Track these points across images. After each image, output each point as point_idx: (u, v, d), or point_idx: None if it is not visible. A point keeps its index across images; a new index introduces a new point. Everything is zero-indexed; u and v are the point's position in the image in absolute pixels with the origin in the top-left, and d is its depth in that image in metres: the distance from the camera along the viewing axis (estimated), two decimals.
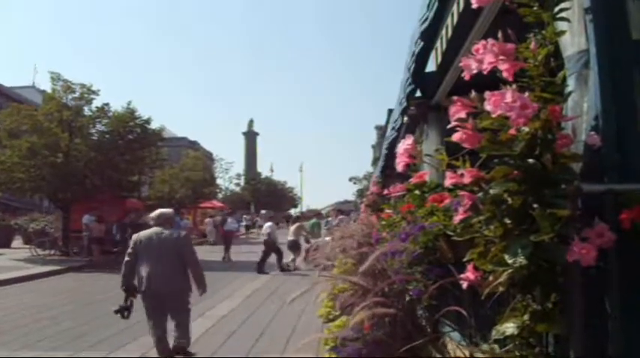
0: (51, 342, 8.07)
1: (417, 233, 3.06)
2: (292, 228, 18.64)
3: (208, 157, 61.43)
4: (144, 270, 6.95)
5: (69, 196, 20.92)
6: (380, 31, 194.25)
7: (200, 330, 8.89)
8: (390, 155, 9.00)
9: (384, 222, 4.71)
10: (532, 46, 1.73)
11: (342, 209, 31.60)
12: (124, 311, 7.11)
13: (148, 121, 22.26)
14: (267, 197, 70.76)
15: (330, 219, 22.78)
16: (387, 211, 5.10)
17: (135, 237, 7.29)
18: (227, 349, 7.86)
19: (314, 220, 21.45)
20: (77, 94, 21.08)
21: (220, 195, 55.68)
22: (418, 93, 5.82)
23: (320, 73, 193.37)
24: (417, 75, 5.39)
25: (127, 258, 7.16)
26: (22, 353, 7.48)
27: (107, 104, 21.84)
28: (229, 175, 67.79)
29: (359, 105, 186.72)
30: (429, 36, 4.53)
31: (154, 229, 7.30)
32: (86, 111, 21.61)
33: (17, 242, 26.18)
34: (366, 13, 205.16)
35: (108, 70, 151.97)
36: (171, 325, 7.00)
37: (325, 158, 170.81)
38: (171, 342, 6.96)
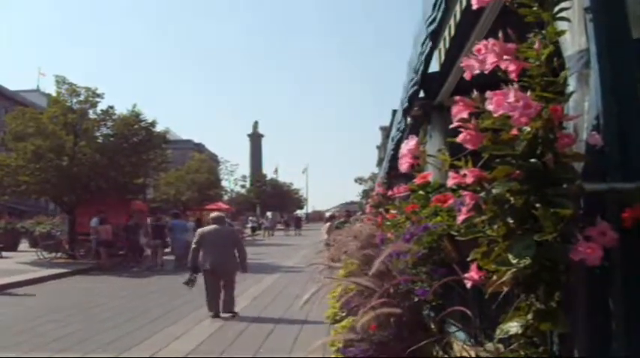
0: (58, 344, 8.10)
1: (422, 233, 3.06)
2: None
3: (213, 159, 61.42)
4: (207, 255, 9.87)
5: (74, 199, 20.99)
6: (383, 31, 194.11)
7: (210, 330, 9.03)
8: (395, 156, 9.00)
9: (388, 223, 4.71)
10: (536, 45, 1.73)
11: (349, 210, 31.89)
12: (190, 282, 10.16)
13: (153, 124, 22.31)
14: (273, 198, 70.76)
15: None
16: (392, 212, 5.09)
17: (200, 231, 10.48)
18: (236, 348, 7.90)
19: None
20: (82, 97, 21.14)
21: (226, 197, 55.61)
22: (421, 94, 5.80)
23: (324, 74, 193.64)
24: (421, 76, 5.37)
25: (194, 246, 10.11)
26: (31, 355, 7.51)
27: (112, 107, 21.95)
28: (234, 177, 67.75)
29: (363, 105, 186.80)
30: (435, 37, 4.51)
31: (214, 226, 10.35)
32: (91, 114, 21.67)
33: (23, 245, 26.24)
34: (369, 13, 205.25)
35: (113, 72, 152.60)
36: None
37: (330, 159, 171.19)
38: (221, 306, 9.92)
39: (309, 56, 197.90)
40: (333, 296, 6.99)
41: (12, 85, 49.49)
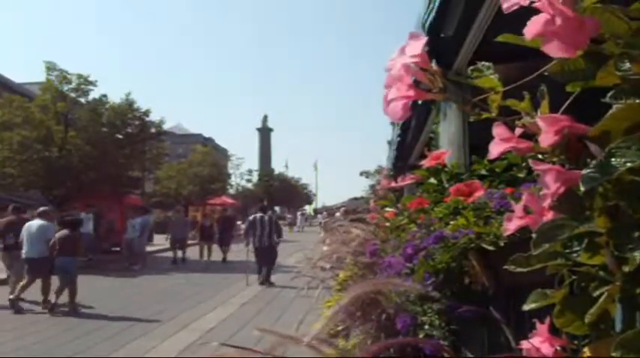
0: (52, 342, 8.03)
1: (432, 246, 1.79)
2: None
3: (223, 154, 60.25)
4: (256, 235, 14.09)
5: (64, 192, 19.70)
6: (395, 24, 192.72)
7: (214, 323, 9.26)
8: (402, 142, 7.94)
9: (387, 224, 3.47)
10: None
11: (347, 208, 30.86)
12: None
13: (146, 113, 21.08)
14: (281, 193, 69.57)
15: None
16: (388, 209, 3.92)
17: (251, 217, 14.72)
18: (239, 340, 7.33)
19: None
20: (73, 85, 19.98)
21: (232, 191, 54.45)
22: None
23: (335, 67, 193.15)
24: (432, 40, 4.37)
25: (246, 227, 14.52)
26: (20, 353, 7.46)
27: (105, 95, 20.75)
28: (241, 171, 66.48)
29: (376, 99, 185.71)
30: None
31: (260, 214, 14.47)
32: (83, 102, 20.45)
33: None
34: (381, 5, 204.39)
35: (125, 68, 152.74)
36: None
37: (341, 154, 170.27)
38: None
39: (319, 49, 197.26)
40: (328, 307, 5.98)
41: (19, 78, 48.10)
